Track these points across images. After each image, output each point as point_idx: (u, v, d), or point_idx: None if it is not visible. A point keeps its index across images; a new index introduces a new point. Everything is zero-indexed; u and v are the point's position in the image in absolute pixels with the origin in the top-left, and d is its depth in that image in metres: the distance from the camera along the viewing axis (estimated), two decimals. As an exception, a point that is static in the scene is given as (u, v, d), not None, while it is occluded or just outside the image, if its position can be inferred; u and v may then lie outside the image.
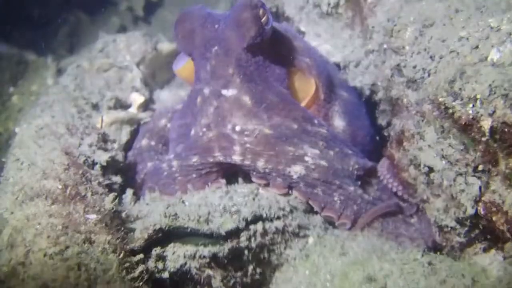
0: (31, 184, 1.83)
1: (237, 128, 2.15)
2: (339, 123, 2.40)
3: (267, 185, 2.16)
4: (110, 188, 2.12)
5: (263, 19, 2.18)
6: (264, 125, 2.15)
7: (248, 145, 2.13)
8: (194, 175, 2.21)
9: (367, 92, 2.55)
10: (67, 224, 1.62)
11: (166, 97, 3.34)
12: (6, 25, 5.11)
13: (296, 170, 2.12)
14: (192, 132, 2.25)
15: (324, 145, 2.18)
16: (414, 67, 2.16)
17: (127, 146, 2.70)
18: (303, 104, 2.32)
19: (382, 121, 2.53)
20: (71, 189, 1.80)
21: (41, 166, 1.94)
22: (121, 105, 3.00)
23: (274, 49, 2.29)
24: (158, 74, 3.43)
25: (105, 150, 2.30)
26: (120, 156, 2.42)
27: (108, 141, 2.43)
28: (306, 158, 2.14)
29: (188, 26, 2.26)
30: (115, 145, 2.43)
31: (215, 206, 1.98)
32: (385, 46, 2.37)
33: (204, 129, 2.19)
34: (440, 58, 2.05)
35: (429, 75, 2.09)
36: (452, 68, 1.91)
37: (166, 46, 3.42)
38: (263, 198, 2.09)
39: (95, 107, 2.87)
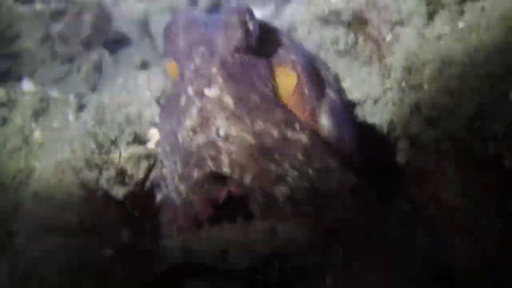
0: (49, 217, 1.84)
1: (221, 133, 2.10)
2: (325, 121, 2.31)
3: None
4: (127, 222, 2.12)
5: (250, 25, 2.22)
6: (248, 131, 2.10)
7: (234, 156, 2.08)
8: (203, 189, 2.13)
9: (386, 130, 2.54)
10: (83, 257, 1.62)
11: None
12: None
13: (281, 190, 2.06)
14: (180, 138, 2.18)
15: (303, 160, 2.10)
16: (433, 105, 2.16)
17: (145, 181, 2.70)
18: (285, 99, 2.27)
19: (401, 158, 2.51)
20: (88, 222, 1.80)
21: (59, 200, 1.95)
22: (140, 140, 3.02)
23: (260, 50, 2.30)
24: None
25: (123, 184, 2.31)
26: (137, 191, 2.43)
27: (126, 175, 2.44)
28: (288, 179, 2.07)
29: (173, 30, 2.30)
30: (133, 180, 2.44)
31: (232, 242, 1.96)
32: (403, 84, 2.37)
33: (191, 134, 2.13)
34: (459, 96, 2.05)
35: (448, 113, 2.08)
36: (472, 106, 1.90)
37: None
38: (281, 235, 2.06)
39: (114, 142, 2.89)
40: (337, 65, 2.79)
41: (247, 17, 2.21)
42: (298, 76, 2.30)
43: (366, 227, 2.07)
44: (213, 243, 1.95)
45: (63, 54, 5.38)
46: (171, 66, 2.42)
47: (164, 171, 2.34)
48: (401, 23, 2.47)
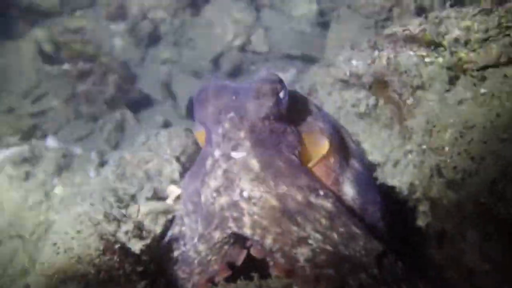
0: (66, 268, 1.84)
1: (245, 194, 2.10)
2: (349, 190, 2.31)
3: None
4: (143, 276, 2.10)
5: (281, 94, 2.25)
6: (271, 193, 2.10)
7: (256, 217, 2.07)
8: (223, 251, 2.12)
9: (405, 192, 2.52)
10: (98, 309, 1.60)
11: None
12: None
13: (303, 252, 2.02)
14: (202, 198, 2.20)
15: (327, 225, 2.08)
16: (454, 167, 2.15)
17: (162, 236, 2.70)
18: (311, 164, 2.27)
19: (421, 222, 2.47)
20: (104, 274, 1.79)
21: (76, 251, 1.95)
22: (159, 196, 3.03)
23: (289, 117, 2.32)
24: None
25: (140, 238, 2.30)
26: (154, 245, 2.41)
27: (144, 230, 2.43)
28: (310, 241, 2.04)
29: (203, 97, 2.32)
30: (150, 234, 2.43)
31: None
32: (424, 146, 2.37)
33: (214, 194, 2.14)
34: (481, 159, 2.04)
35: (470, 176, 2.07)
36: (494, 169, 1.89)
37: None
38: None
39: (133, 197, 2.91)
40: (358, 127, 2.81)
41: (279, 86, 2.25)
42: (328, 144, 2.31)
43: None
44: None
45: (87, 113, 5.53)
46: (201, 134, 2.47)
47: (184, 228, 2.34)
48: (422, 87, 2.51)
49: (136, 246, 2.20)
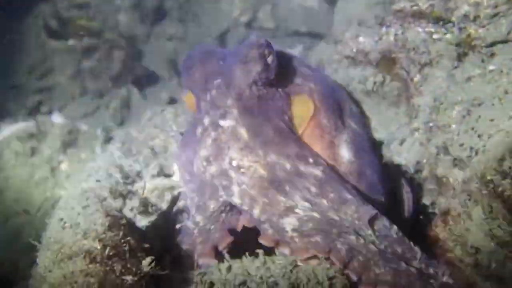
0: (71, 243, 1.84)
1: (234, 163, 2.11)
2: (345, 153, 2.28)
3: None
4: (148, 251, 2.11)
5: (269, 59, 2.21)
6: (260, 163, 2.10)
7: (244, 187, 2.09)
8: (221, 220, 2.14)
9: (412, 170, 2.51)
10: (104, 283, 1.61)
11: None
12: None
13: (290, 222, 2.04)
14: (195, 168, 2.21)
15: (316, 192, 2.09)
16: (461, 145, 2.13)
17: (168, 212, 2.71)
18: (301, 130, 2.25)
19: (426, 200, 2.47)
20: (110, 250, 1.80)
21: (82, 227, 1.96)
22: (165, 173, 3.04)
23: (278, 81, 2.28)
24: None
25: (146, 214, 2.32)
26: (159, 221, 2.43)
27: (149, 206, 2.45)
28: (297, 210, 2.06)
29: (189, 64, 2.32)
30: (156, 211, 2.45)
31: (252, 276, 1.93)
32: (431, 124, 2.35)
33: (205, 163, 2.16)
34: (488, 137, 2.03)
35: (476, 154, 2.05)
36: (501, 146, 1.88)
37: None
38: (301, 270, 2.02)
39: (139, 174, 2.92)
40: (364, 105, 2.79)
41: (266, 51, 2.21)
42: (315, 105, 2.28)
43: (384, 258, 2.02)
44: (234, 275, 1.93)
45: (93, 90, 5.52)
46: (189, 98, 2.44)
47: (188, 201, 2.34)
48: (430, 64, 2.48)
49: (142, 222, 2.22)
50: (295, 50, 4.81)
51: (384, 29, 2.64)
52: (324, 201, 2.08)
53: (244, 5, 5.62)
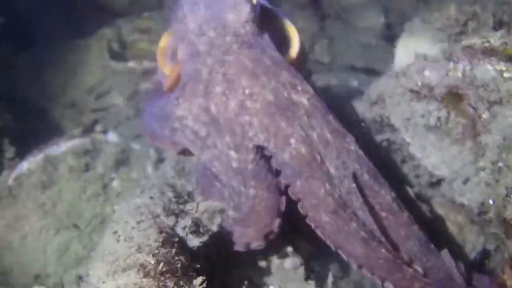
0: (126, 256, 1.84)
1: (247, 92, 2.27)
2: None
3: None
4: (199, 271, 2.09)
5: (254, 0, 2.49)
6: (266, 88, 2.27)
7: (259, 116, 2.24)
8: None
9: (476, 211, 2.41)
10: (156, 298, 1.59)
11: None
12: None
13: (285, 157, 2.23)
14: (213, 109, 2.33)
15: (307, 123, 2.26)
16: (533, 187, 2.04)
17: (219, 235, 2.68)
18: (293, 51, 2.60)
19: (490, 244, 2.36)
20: (163, 265, 1.79)
21: (136, 241, 1.95)
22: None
23: (263, 21, 2.54)
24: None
25: (197, 235, 2.29)
26: (210, 243, 2.40)
27: (201, 227, 2.42)
28: (292, 140, 2.22)
29: (180, 15, 2.52)
30: (207, 232, 2.42)
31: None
32: (500, 164, 2.27)
33: (224, 99, 2.29)
34: None
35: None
36: None
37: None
38: None
39: (190, 194, 2.91)
40: (426, 140, 2.71)
41: None
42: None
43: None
44: None
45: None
46: (174, 70, 2.59)
47: (216, 167, 2.47)
48: (500, 102, 2.41)
49: (194, 242, 2.20)
50: (351, 84, 4.78)
51: (451, 64, 2.59)
52: (313, 133, 2.26)
53: (303, 36, 5.64)
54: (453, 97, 2.59)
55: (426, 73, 2.68)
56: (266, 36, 2.47)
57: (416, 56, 2.79)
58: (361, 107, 3.13)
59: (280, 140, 2.22)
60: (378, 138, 2.98)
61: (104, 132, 4.88)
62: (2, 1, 4.36)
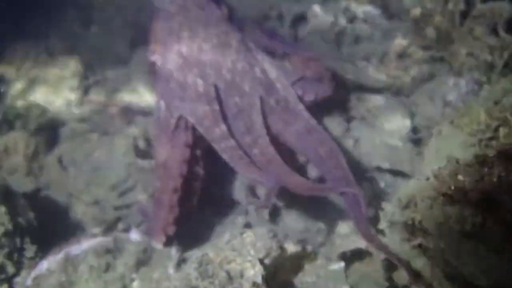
0: None
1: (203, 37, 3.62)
2: None
3: None
4: None
5: None
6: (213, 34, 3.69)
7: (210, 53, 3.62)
8: None
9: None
10: None
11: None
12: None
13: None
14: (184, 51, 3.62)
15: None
16: None
17: None
18: None
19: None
20: None
21: None
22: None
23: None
24: (278, 273, 3.37)
25: None
26: None
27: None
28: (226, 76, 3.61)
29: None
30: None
31: None
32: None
33: (190, 42, 3.62)
34: None
35: None
36: None
37: (291, 247, 3.44)
38: None
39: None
40: (461, 245, 2.61)
41: None
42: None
43: None
44: None
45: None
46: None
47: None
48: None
49: None
50: (378, 186, 4.74)
51: (486, 169, 2.55)
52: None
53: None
54: (489, 202, 2.53)
55: (460, 177, 2.63)
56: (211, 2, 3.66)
57: (448, 159, 2.76)
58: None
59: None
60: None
61: (127, 230, 4.86)
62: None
